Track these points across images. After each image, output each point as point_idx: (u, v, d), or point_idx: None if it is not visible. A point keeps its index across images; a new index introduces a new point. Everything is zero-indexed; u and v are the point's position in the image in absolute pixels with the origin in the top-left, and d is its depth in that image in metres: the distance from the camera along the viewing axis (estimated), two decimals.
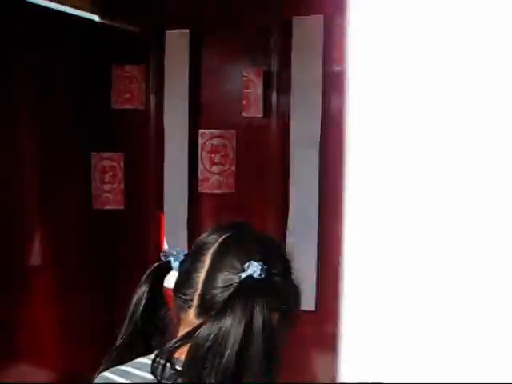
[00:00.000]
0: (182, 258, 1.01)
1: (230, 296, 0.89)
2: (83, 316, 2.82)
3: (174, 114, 2.65)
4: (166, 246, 1.06)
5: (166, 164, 2.67)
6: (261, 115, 2.47)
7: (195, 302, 0.93)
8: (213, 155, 2.55)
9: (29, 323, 2.54)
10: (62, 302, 2.72)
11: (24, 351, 2.52)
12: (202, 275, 0.95)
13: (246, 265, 0.91)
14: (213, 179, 2.55)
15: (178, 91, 2.62)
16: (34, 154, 2.54)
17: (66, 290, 2.75)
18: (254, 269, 0.90)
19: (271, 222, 2.52)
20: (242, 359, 0.83)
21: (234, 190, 2.59)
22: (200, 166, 2.57)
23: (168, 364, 0.88)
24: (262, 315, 0.86)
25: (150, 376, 0.90)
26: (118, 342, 1.00)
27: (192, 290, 0.95)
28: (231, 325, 0.84)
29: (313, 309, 2.33)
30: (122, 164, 2.79)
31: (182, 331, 0.95)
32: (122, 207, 2.79)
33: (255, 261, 0.91)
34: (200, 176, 2.58)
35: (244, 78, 2.48)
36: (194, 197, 2.64)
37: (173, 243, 2.68)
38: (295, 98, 2.39)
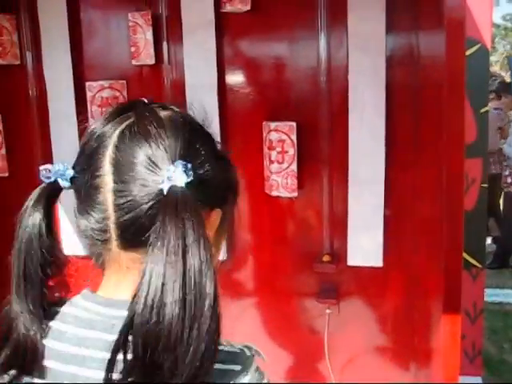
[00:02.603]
0: (72, 173, 0.76)
1: (160, 221, 0.67)
2: None
3: (55, 68, 2.43)
4: (45, 166, 0.77)
5: (52, 123, 2.46)
6: (152, 62, 2.33)
7: (113, 233, 0.72)
8: (104, 109, 2.38)
9: None
10: None
11: None
12: (107, 195, 0.72)
13: (164, 172, 0.69)
14: None
15: (58, 42, 2.40)
16: None
17: None
18: (175, 176, 0.68)
19: None
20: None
21: None
22: (91, 122, 2.38)
23: None
24: (199, 234, 0.66)
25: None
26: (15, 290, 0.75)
27: (102, 217, 0.72)
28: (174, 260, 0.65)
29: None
30: (0, 127, 2.53)
31: (112, 268, 0.76)
32: (7, 174, 2.54)
33: (173, 160, 0.70)
34: None
35: (130, 23, 2.31)
36: None
37: (68, 208, 2.50)
38: (188, 41, 2.28)
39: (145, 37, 2.31)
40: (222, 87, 2.31)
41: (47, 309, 0.76)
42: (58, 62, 2.42)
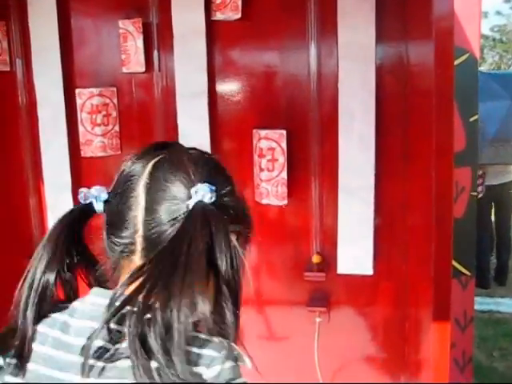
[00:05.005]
0: (106, 197, 0.86)
1: (182, 225, 0.77)
2: None
3: (45, 75, 2.42)
4: (82, 189, 0.88)
5: (41, 130, 2.45)
6: (143, 70, 2.33)
7: (139, 246, 0.81)
8: (94, 116, 2.37)
9: None
10: None
11: None
12: (139, 213, 0.81)
13: (192, 190, 0.78)
14: (96, 141, 2.38)
15: (48, 49, 2.39)
16: None
17: None
18: (202, 193, 0.78)
19: None
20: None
21: (120, 152, 2.44)
22: (80, 129, 2.38)
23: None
24: (225, 239, 0.77)
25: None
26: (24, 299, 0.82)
27: (131, 232, 0.81)
28: (191, 254, 0.73)
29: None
30: None
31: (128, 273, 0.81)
32: None
33: (200, 183, 0.80)
34: (81, 139, 2.39)
35: (121, 31, 2.31)
36: (77, 163, 2.45)
37: (57, 214, 2.48)
38: (178, 49, 2.28)
39: (135, 44, 2.31)
40: (213, 95, 2.31)
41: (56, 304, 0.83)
42: (48, 68, 2.41)
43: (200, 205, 0.78)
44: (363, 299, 2.32)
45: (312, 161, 2.26)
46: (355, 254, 2.23)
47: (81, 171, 2.48)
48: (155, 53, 2.34)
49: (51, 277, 0.82)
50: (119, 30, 2.31)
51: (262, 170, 2.23)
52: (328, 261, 2.31)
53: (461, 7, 2.04)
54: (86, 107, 2.38)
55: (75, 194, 2.48)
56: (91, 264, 0.89)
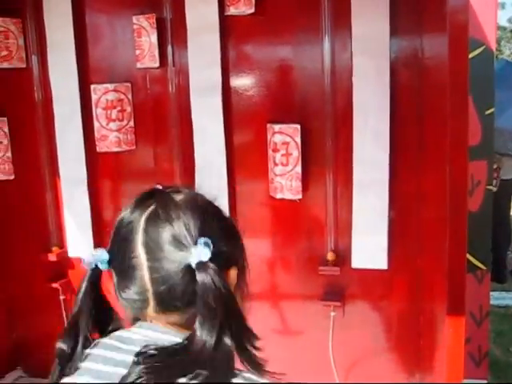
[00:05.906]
0: (107, 257, 0.89)
1: (192, 293, 0.83)
2: None
3: (61, 71, 2.45)
4: (84, 257, 0.92)
5: (57, 126, 2.47)
6: (157, 65, 2.34)
7: (152, 301, 0.86)
8: (109, 111, 2.39)
9: None
10: None
11: None
12: (144, 272, 0.85)
13: (191, 250, 0.83)
14: (111, 137, 2.40)
15: (63, 45, 2.42)
16: None
17: None
18: (200, 254, 0.82)
19: (180, 178, 2.42)
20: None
21: (134, 147, 2.45)
22: (96, 124, 2.40)
23: None
24: (225, 287, 0.83)
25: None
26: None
27: (140, 290, 0.86)
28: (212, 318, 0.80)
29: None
30: (6, 130, 2.54)
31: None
32: (12, 177, 2.56)
33: (195, 238, 0.84)
34: (97, 134, 2.41)
35: (135, 27, 2.32)
36: (92, 158, 2.48)
37: (73, 209, 2.52)
38: (192, 44, 2.29)
39: (149, 40, 2.32)
40: (227, 90, 2.32)
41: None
42: (63, 65, 2.44)
43: (202, 267, 0.82)
44: (378, 293, 2.32)
45: (326, 155, 2.25)
46: (370, 248, 2.23)
47: (96, 166, 2.50)
48: (169, 48, 2.35)
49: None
50: (133, 25, 2.33)
51: (276, 164, 2.23)
52: (342, 255, 2.30)
53: None
54: (101, 103, 2.39)
55: (91, 188, 2.53)
56: (111, 315, 0.94)
